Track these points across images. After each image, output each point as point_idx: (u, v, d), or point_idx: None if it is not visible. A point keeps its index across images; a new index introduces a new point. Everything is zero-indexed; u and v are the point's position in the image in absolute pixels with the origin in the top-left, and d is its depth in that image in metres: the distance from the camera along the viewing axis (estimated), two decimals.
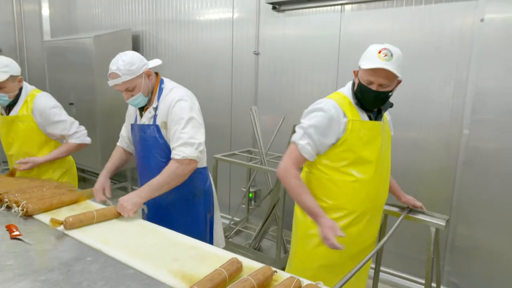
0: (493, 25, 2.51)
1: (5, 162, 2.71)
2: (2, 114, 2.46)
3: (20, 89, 2.40)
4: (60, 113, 2.45)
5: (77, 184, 2.67)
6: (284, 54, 3.54)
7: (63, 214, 1.79)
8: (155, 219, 1.93)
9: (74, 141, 2.47)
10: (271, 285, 1.22)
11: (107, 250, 1.48)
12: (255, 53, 3.71)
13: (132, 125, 2.13)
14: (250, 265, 1.35)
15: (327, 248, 1.60)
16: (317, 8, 3.29)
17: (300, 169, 1.92)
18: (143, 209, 2.14)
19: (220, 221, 2.28)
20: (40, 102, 2.40)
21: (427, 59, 2.80)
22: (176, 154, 1.87)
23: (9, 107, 2.43)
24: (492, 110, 2.57)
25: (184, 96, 1.94)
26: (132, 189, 5.04)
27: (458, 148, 2.73)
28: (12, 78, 2.30)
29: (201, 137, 1.91)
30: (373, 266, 2.46)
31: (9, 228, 1.64)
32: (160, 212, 2.05)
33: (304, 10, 3.38)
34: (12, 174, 2.42)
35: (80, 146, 2.50)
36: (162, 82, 2.03)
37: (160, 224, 1.76)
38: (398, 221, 1.96)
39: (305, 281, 1.22)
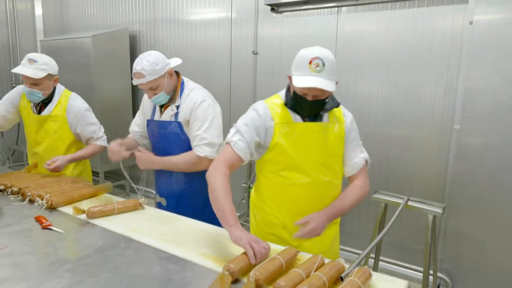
0: (481, 27, 2.68)
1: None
2: (33, 112, 2.46)
3: (54, 89, 2.45)
4: (92, 116, 2.53)
5: (91, 180, 2.74)
6: (282, 54, 3.67)
7: (84, 206, 1.88)
8: (172, 211, 2.03)
9: (100, 143, 2.54)
10: (295, 264, 1.35)
11: (137, 237, 1.58)
12: (253, 53, 3.83)
13: (149, 121, 2.22)
14: (273, 248, 1.47)
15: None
16: (314, 10, 3.43)
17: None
18: (160, 202, 2.25)
19: None
20: (75, 103, 2.47)
21: (419, 59, 2.97)
22: (199, 151, 2.00)
23: (40, 106, 2.45)
24: (481, 107, 2.75)
25: (206, 97, 2.06)
26: (130, 188, 5.11)
27: (449, 143, 2.91)
28: (49, 76, 2.34)
29: (221, 138, 2.05)
30: (373, 255, 2.62)
31: (38, 219, 1.72)
32: (179, 205, 2.14)
33: (301, 11, 3.51)
34: (32, 168, 2.50)
35: (103, 149, 2.54)
36: (183, 81, 2.13)
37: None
38: (398, 210, 2.11)
39: (326, 260, 1.35)
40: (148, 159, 2.08)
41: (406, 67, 3.02)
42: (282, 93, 1.71)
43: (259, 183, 1.82)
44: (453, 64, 2.85)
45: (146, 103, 2.28)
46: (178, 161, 2.06)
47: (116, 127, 4.74)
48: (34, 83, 2.30)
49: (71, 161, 2.43)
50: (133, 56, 4.81)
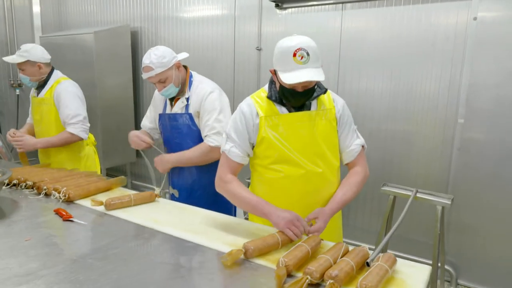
0: (485, 23, 2.74)
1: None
2: (34, 95, 2.71)
3: (50, 75, 2.65)
4: (72, 101, 2.60)
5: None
6: None
7: (100, 199, 1.89)
8: (185, 202, 2.06)
9: (70, 129, 2.58)
10: (319, 251, 1.38)
11: (160, 228, 1.60)
12: (257, 49, 3.86)
13: (160, 115, 2.26)
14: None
15: None
16: (318, 6, 3.47)
17: None
18: (173, 194, 2.27)
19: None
20: (61, 86, 2.62)
21: (423, 55, 3.02)
22: (210, 141, 2.05)
23: (39, 90, 2.69)
24: (485, 102, 2.81)
25: (215, 88, 2.13)
26: (132, 184, 5.11)
27: (453, 137, 2.97)
28: (30, 63, 2.56)
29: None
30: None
31: (58, 212, 1.73)
32: (191, 196, 2.17)
33: (305, 8, 3.54)
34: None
35: (73, 137, 2.60)
36: (191, 75, 2.20)
37: None
38: (409, 200, 2.16)
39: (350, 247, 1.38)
40: (165, 161, 2.18)
41: (410, 63, 3.06)
42: (267, 86, 1.70)
43: (253, 178, 1.82)
44: (456, 60, 2.90)
45: (157, 98, 2.33)
46: (191, 155, 2.11)
47: (118, 124, 4.76)
48: (20, 68, 2.58)
49: (36, 144, 2.57)
50: (134, 53, 4.81)
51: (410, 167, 3.17)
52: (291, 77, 1.46)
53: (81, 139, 2.64)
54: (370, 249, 1.36)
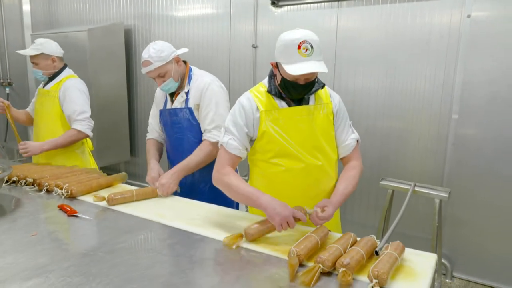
0: (478, 21, 2.80)
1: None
2: (41, 87, 2.74)
3: (62, 70, 2.68)
4: (79, 97, 2.61)
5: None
6: None
7: (102, 195, 1.88)
8: (188, 197, 2.06)
9: (75, 126, 2.57)
10: (327, 242, 1.40)
11: (166, 222, 1.60)
12: (253, 46, 3.87)
13: (161, 111, 2.26)
14: (302, 229, 1.52)
15: None
16: (314, 4, 3.49)
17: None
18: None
19: None
20: (70, 82, 2.64)
21: (418, 52, 3.07)
22: (211, 137, 2.04)
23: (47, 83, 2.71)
24: (478, 98, 2.87)
25: (214, 80, 2.13)
26: (127, 183, 5.06)
27: (447, 132, 3.02)
28: (44, 56, 2.59)
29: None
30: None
31: (62, 208, 1.72)
32: (192, 192, 2.17)
33: (301, 5, 3.57)
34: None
35: (80, 135, 2.59)
36: (190, 69, 2.20)
37: None
38: (409, 193, 2.19)
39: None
40: (170, 181, 2.00)
41: (405, 61, 3.11)
42: (266, 81, 1.70)
43: (253, 174, 1.81)
44: (450, 57, 2.95)
45: (158, 95, 2.34)
46: (198, 158, 2.05)
47: (112, 122, 4.73)
48: (33, 62, 2.61)
49: (43, 147, 2.52)
50: (128, 51, 4.78)
51: (406, 163, 3.22)
52: (296, 69, 1.48)
53: (87, 136, 2.64)
54: None
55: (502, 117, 2.79)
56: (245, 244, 1.40)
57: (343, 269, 1.14)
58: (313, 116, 1.67)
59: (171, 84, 2.10)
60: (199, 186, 2.19)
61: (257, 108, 1.64)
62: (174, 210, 1.76)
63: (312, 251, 1.28)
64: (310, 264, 1.23)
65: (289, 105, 1.65)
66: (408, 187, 2.34)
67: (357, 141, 1.78)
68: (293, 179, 1.67)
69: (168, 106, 2.21)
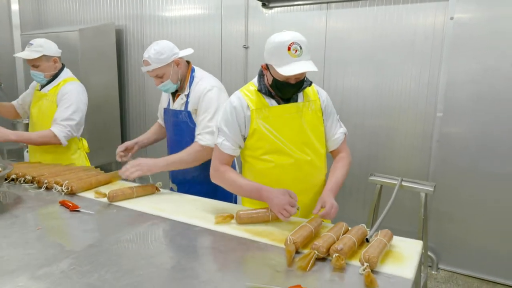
0: (461, 23, 2.93)
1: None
2: (38, 89, 2.65)
3: (60, 72, 2.59)
4: (71, 103, 2.47)
5: None
6: None
7: (103, 191, 1.93)
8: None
9: (52, 128, 2.44)
10: (321, 232, 1.49)
11: (166, 215, 1.67)
12: (244, 47, 3.95)
13: (164, 110, 2.30)
14: (297, 220, 1.61)
15: None
16: (304, 6, 3.59)
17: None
18: (171, 188, 2.33)
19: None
20: (67, 86, 2.53)
21: (404, 53, 3.19)
22: (201, 139, 2.04)
23: (45, 86, 2.61)
24: (461, 97, 3.00)
25: (214, 86, 2.11)
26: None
27: (432, 130, 3.15)
28: (45, 57, 2.49)
29: None
30: None
31: (64, 204, 1.77)
32: (190, 191, 2.22)
33: (291, 7, 3.66)
34: None
35: (54, 139, 2.43)
36: (193, 70, 2.19)
37: None
38: (396, 188, 2.30)
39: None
40: (151, 164, 2.05)
41: (392, 61, 3.23)
42: (255, 80, 1.76)
43: (244, 170, 1.88)
44: (435, 58, 3.08)
45: (163, 92, 2.35)
46: (182, 155, 2.06)
47: (103, 123, 4.75)
48: (33, 65, 2.49)
49: (9, 136, 2.37)
50: (119, 51, 4.80)
51: (393, 160, 3.34)
52: (288, 70, 1.54)
53: (60, 143, 2.46)
54: None
55: (484, 115, 2.92)
56: (245, 234, 1.47)
57: (337, 254, 1.23)
58: (302, 113, 1.74)
59: (169, 86, 2.12)
60: (196, 187, 2.20)
61: (248, 106, 1.70)
62: (173, 205, 1.83)
63: (307, 239, 1.37)
64: (306, 251, 1.31)
65: (279, 103, 1.72)
66: (395, 182, 2.45)
67: (345, 134, 1.88)
68: (283, 175, 1.75)
69: (170, 106, 2.25)
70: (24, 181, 2.10)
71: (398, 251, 1.35)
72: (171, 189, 2.34)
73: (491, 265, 3.01)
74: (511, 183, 2.87)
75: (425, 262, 2.72)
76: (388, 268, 1.23)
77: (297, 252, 1.32)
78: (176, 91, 2.19)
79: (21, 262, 1.25)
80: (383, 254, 1.27)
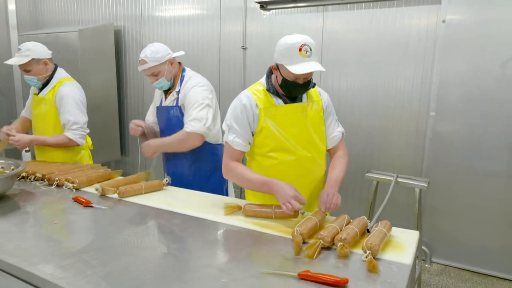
0: (453, 26, 3.05)
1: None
2: (36, 93, 2.67)
3: (54, 73, 2.60)
4: (74, 107, 2.54)
5: None
6: (271, 49, 3.80)
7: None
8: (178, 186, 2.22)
9: (68, 134, 2.52)
10: (324, 224, 1.58)
11: (177, 210, 1.75)
12: (242, 48, 4.03)
13: (157, 108, 2.47)
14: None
15: None
16: (301, 8, 3.69)
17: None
18: (166, 180, 2.42)
19: (232, 190, 2.62)
20: (64, 89, 2.55)
21: (399, 54, 3.30)
22: (187, 127, 2.21)
23: (41, 88, 2.63)
24: (453, 97, 3.12)
25: (199, 83, 2.30)
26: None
27: (426, 128, 3.27)
28: (35, 61, 2.49)
29: (210, 116, 2.24)
30: None
31: (77, 199, 1.84)
32: (183, 182, 2.31)
33: (289, 9, 3.76)
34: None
35: (70, 142, 2.54)
36: (184, 70, 2.40)
37: None
38: (392, 183, 2.41)
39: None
40: (148, 146, 2.32)
41: (386, 62, 3.34)
42: (263, 80, 1.86)
43: (250, 165, 1.95)
44: (428, 59, 3.20)
45: (157, 93, 2.52)
46: (170, 139, 2.28)
47: (102, 122, 4.80)
48: (25, 69, 2.50)
49: (32, 141, 2.53)
50: (118, 51, 4.85)
51: (388, 157, 3.46)
52: (299, 68, 1.65)
53: (78, 144, 2.59)
54: None
55: (474, 114, 3.04)
56: (253, 227, 1.57)
57: (341, 243, 1.32)
58: (306, 112, 1.85)
59: (163, 83, 2.32)
60: (188, 178, 2.37)
61: (256, 105, 1.79)
62: (181, 200, 1.91)
63: (312, 230, 1.46)
64: (311, 241, 1.40)
65: (285, 103, 1.83)
66: (391, 178, 2.55)
67: (343, 134, 2.00)
68: (286, 171, 1.84)
69: (163, 104, 2.42)
70: (34, 178, 2.17)
71: (397, 240, 1.45)
72: (167, 182, 2.42)
73: (481, 258, 3.14)
74: (499, 180, 3.00)
75: (419, 255, 2.84)
76: (388, 255, 1.33)
77: (303, 242, 1.41)
78: (169, 89, 2.36)
79: (44, 253, 1.32)
80: (384, 243, 1.37)
